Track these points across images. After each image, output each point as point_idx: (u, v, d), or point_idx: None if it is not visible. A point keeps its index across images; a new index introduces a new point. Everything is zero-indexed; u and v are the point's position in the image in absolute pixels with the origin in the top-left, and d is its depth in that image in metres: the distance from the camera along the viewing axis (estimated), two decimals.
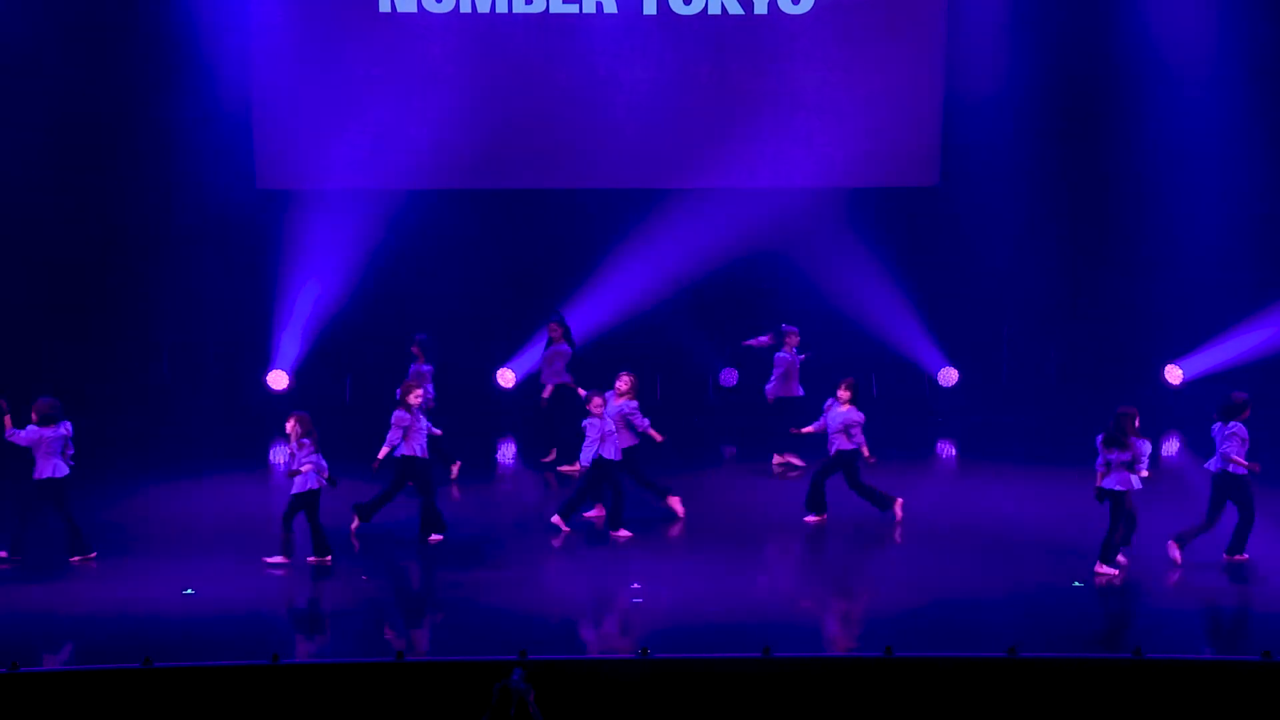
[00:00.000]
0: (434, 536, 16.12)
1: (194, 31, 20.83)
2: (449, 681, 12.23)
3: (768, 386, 19.20)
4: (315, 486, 15.41)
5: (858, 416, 16.61)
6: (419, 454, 16.15)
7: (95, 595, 14.67)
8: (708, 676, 12.48)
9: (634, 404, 16.74)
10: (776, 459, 19.05)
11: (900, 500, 16.70)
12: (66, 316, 21.42)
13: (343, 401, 21.62)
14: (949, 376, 21.61)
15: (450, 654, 12.90)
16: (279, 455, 19.38)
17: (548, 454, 19.32)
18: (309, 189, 21.54)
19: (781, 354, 19.17)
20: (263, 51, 21.15)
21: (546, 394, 19.11)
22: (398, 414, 16.10)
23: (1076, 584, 14.91)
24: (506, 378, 21.71)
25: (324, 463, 15.45)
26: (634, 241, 21.61)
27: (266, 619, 14.34)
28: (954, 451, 20.93)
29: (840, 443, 16.65)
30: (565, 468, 18.78)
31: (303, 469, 15.31)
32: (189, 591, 14.70)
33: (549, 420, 19.29)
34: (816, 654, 13.54)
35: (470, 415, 21.41)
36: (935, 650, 12.95)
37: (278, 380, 21.15)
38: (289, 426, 15.46)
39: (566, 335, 19.28)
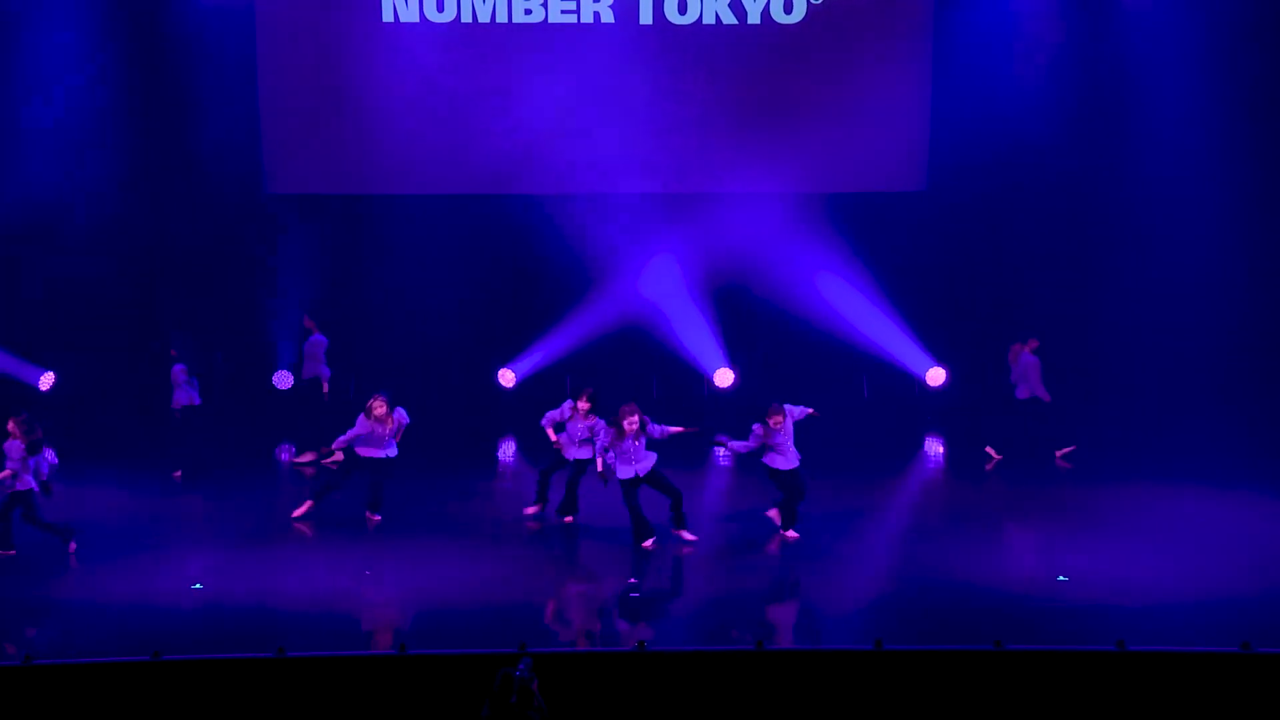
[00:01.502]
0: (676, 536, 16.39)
1: (202, 39, 21.01)
2: (451, 674, 12.45)
3: (1032, 389, 19.69)
4: (32, 487, 15.84)
5: (599, 424, 16.71)
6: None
7: (107, 590, 14.94)
8: (702, 669, 12.68)
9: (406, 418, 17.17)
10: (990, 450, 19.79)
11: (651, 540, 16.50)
12: (73, 318, 21.60)
13: (347, 401, 21.82)
14: (937, 376, 21.86)
15: (452, 647, 13.10)
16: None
17: (303, 451, 19.68)
18: (316, 194, 21.77)
19: (1028, 357, 19.58)
20: (270, 59, 21.32)
21: (325, 389, 19.72)
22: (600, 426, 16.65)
23: (1061, 579, 15.19)
24: (507, 378, 21.99)
25: (45, 468, 15.89)
26: (631, 245, 21.83)
27: (272, 613, 14.61)
28: (942, 449, 21.16)
29: (577, 453, 16.93)
30: (326, 460, 19.26)
31: (10, 470, 15.73)
32: (198, 586, 15.01)
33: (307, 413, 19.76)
34: (809, 647, 13.81)
35: (472, 414, 21.75)
36: (924, 644, 13.21)
37: (283, 380, 21.38)
38: (10, 427, 15.84)
39: (321, 326, 19.71)
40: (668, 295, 21.92)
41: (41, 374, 21.08)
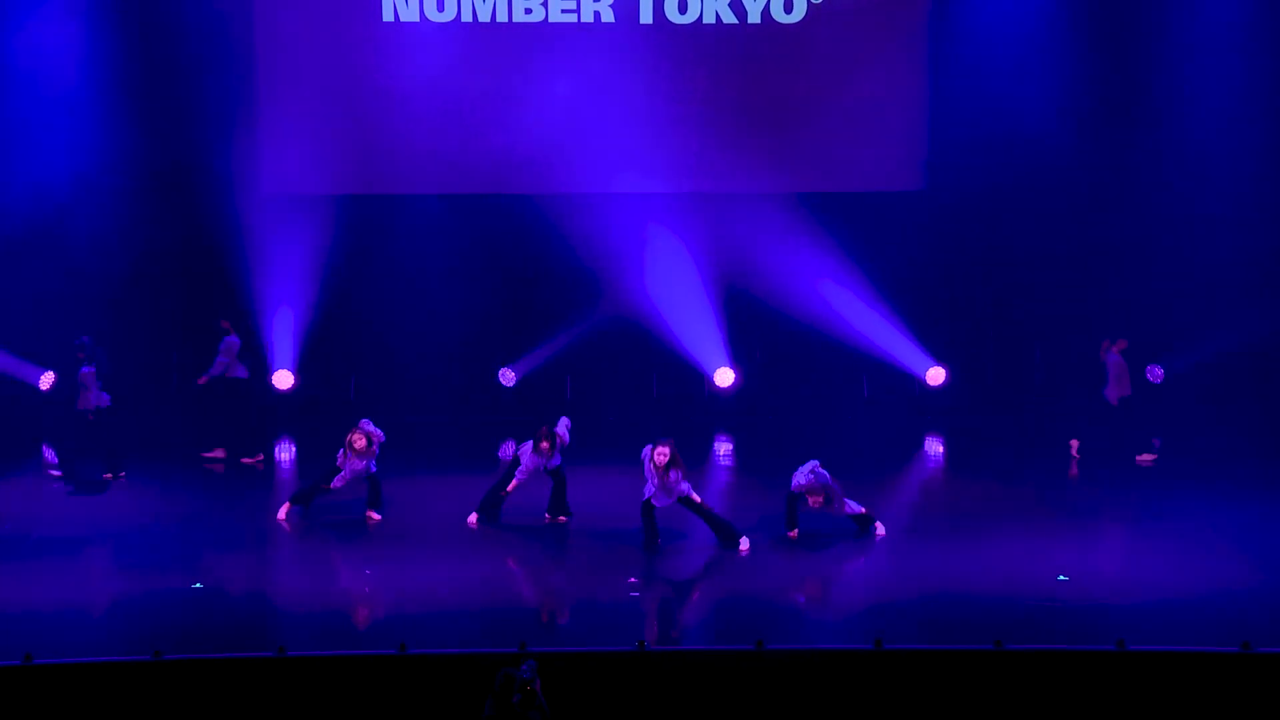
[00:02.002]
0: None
1: (200, 38, 21.01)
2: (452, 674, 12.48)
3: (1106, 390, 19.72)
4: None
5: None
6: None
7: (107, 589, 14.98)
8: (702, 668, 12.72)
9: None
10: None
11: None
12: (74, 318, 21.58)
13: (347, 400, 21.87)
14: (936, 376, 21.90)
15: (452, 646, 13.14)
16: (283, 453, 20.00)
17: (212, 449, 19.75)
18: (314, 194, 21.77)
19: (1114, 357, 19.64)
20: (269, 58, 21.35)
21: (202, 381, 19.78)
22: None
23: (1061, 578, 15.21)
24: (508, 377, 22.01)
25: None
26: (630, 244, 21.85)
27: (273, 612, 14.65)
28: (941, 449, 21.17)
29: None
30: (248, 459, 19.47)
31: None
32: (197, 586, 15.04)
33: (216, 413, 19.80)
34: (808, 646, 13.82)
35: (471, 413, 21.75)
36: (924, 643, 13.24)
37: (283, 380, 21.41)
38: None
39: (235, 328, 19.79)
40: (669, 289, 21.93)
41: (42, 374, 21.08)
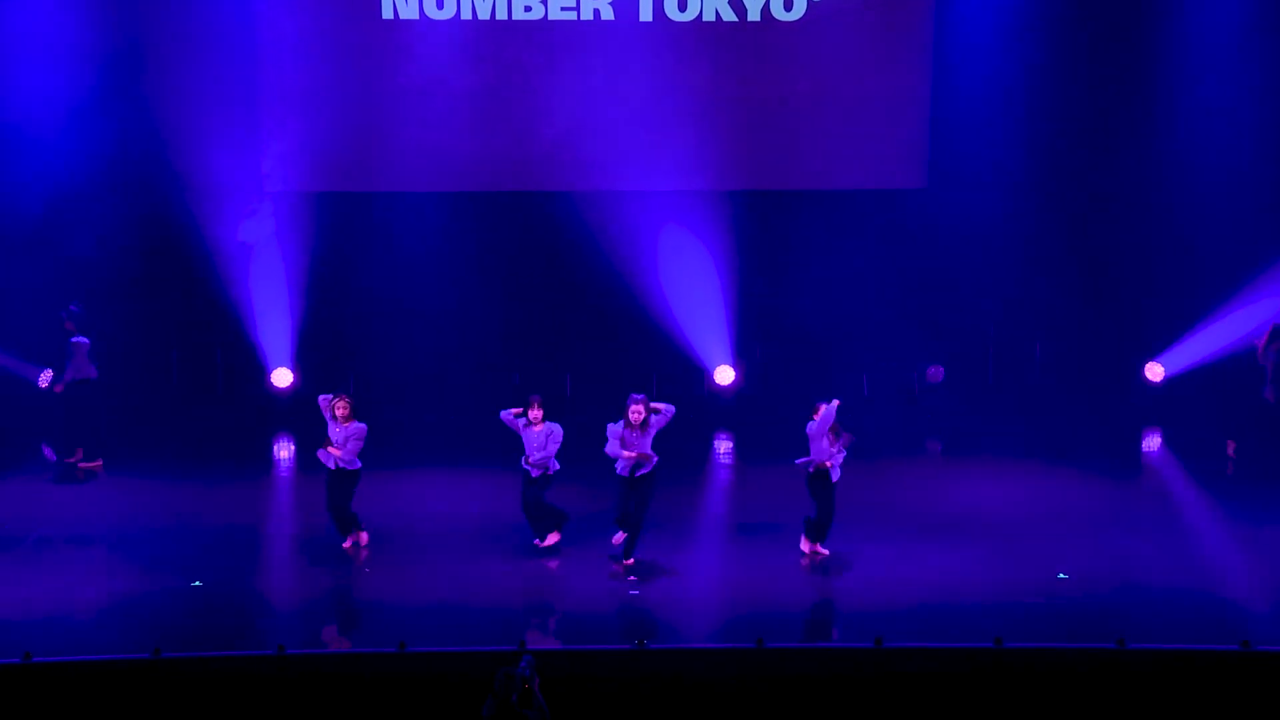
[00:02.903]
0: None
1: (201, 37, 21.00)
2: (451, 671, 12.49)
3: (1265, 389, 19.47)
4: None
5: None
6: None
7: (107, 588, 14.98)
8: (702, 667, 12.74)
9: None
10: None
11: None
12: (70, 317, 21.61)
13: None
14: (936, 374, 21.92)
15: (452, 644, 13.14)
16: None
17: (72, 453, 19.44)
18: (315, 191, 21.77)
19: (1273, 356, 19.46)
20: (270, 56, 21.35)
21: (60, 388, 19.45)
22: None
23: (1060, 576, 15.21)
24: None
25: None
26: (631, 243, 21.85)
27: (272, 610, 14.65)
28: (940, 447, 21.17)
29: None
30: (86, 464, 19.21)
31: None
32: (197, 584, 15.05)
33: (69, 416, 19.53)
34: (808, 644, 13.83)
35: (471, 413, 21.75)
36: (924, 641, 13.26)
37: (282, 379, 21.40)
38: None
39: (80, 327, 19.48)
40: (665, 287, 21.93)
41: (41, 372, 21.07)
